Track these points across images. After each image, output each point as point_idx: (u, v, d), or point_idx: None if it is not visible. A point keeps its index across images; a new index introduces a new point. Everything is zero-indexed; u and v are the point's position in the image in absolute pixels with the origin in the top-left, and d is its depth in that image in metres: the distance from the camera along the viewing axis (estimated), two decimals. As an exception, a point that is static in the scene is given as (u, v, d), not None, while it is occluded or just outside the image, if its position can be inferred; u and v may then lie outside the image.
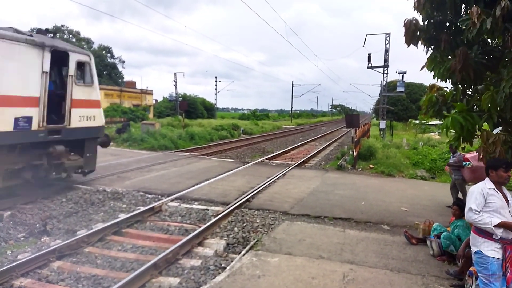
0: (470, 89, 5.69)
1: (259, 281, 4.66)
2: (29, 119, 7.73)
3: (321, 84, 70.65)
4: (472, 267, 4.26)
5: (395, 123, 39.61)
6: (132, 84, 48.96)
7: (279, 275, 4.85)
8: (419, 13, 5.56)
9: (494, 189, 3.81)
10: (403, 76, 26.35)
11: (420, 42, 5.84)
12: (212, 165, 13.97)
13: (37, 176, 8.43)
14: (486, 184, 3.86)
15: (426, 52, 5.98)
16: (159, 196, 8.91)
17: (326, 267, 5.19)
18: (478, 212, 3.70)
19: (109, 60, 61.78)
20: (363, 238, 6.52)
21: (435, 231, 6.10)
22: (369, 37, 26.76)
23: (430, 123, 31.43)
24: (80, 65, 9.07)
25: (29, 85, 7.72)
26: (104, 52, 60.52)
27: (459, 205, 5.82)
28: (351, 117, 17.00)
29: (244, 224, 7.15)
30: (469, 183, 9.39)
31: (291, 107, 74.38)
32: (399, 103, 52.52)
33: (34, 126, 7.84)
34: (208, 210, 7.98)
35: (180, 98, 44.65)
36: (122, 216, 7.22)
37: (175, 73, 44.75)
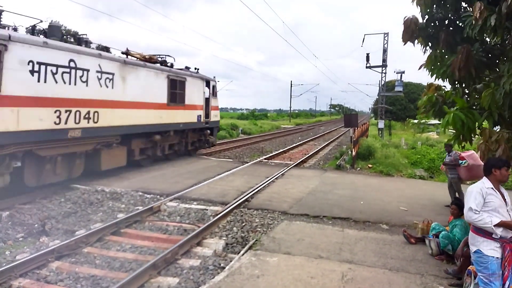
0: (468, 89, 5.70)
1: (258, 281, 4.66)
2: (200, 116, 15.84)
3: (319, 84, 70.73)
4: (470, 266, 4.27)
5: (394, 122, 39.69)
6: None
7: (278, 275, 4.85)
8: (418, 8, 5.54)
9: (492, 188, 3.82)
10: (401, 76, 26.41)
11: (417, 41, 5.85)
12: (211, 165, 13.96)
13: (199, 147, 16.84)
14: (485, 184, 3.87)
15: (424, 52, 5.99)
16: (158, 196, 8.91)
17: (325, 266, 5.19)
18: (478, 212, 3.70)
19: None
20: (361, 237, 6.52)
21: (434, 230, 6.11)
22: (368, 37, 26.84)
23: (428, 122, 31.46)
24: (214, 87, 17.40)
25: (200, 99, 15.94)
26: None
27: (458, 205, 5.83)
28: (349, 117, 17.00)
29: (243, 224, 7.15)
30: (468, 182, 9.45)
31: (290, 107, 74.43)
32: (398, 102, 52.62)
33: (202, 119, 16.04)
34: (207, 210, 7.98)
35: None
36: (121, 216, 7.21)
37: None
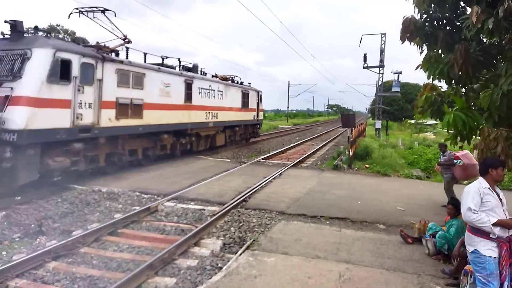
0: (465, 88, 5.72)
1: (255, 281, 4.66)
2: (254, 116, 23.20)
3: (317, 84, 71.07)
4: (467, 266, 4.29)
5: (391, 123, 39.75)
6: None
7: (276, 275, 4.86)
8: (416, 8, 5.56)
9: (489, 188, 3.84)
10: (398, 76, 26.52)
11: (413, 42, 5.86)
12: (209, 165, 13.95)
13: (252, 136, 23.66)
14: (482, 184, 3.88)
15: (420, 53, 6.01)
16: (155, 196, 8.89)
17: (322, 266, 5.20)
18: (476, 212, 3.72)
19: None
20: (359, 237, 6.54)
21: (431, 230, 6.13)
22: (365, 37, 26.89)
23: (425, 123, 31.54)
24: (261, 96, 24.29)
25: (254, 104, 23.42)
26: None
27: (454, 205, 5.85)
28: (347, 117, 16.99)
29: (241, 224, 7.15)
30: (465, 182, 9.47)
31: (287, 107, 74.41)
32: (395, 103, 52.71)
33: (255, 118, 23.23)
34: (204, 210, 7.97)
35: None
36: (118, 216, 7.19)
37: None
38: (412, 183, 12.32)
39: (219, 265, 5.36)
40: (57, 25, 40.03)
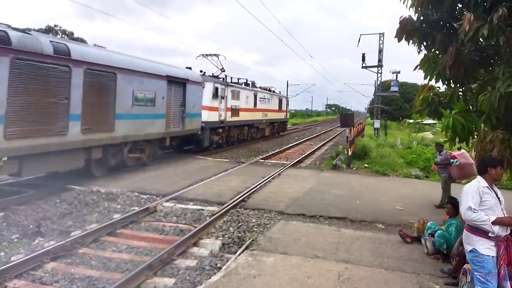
0: (463, 88, 5.72)
1: (254, 281, 4.66)
2: (284, 115, 33.84)
3: (316, 84, 71.08)
4: (466, 265, 4.29)
5: (389, 122, 39.81)
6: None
7: (275, 275, 4.86)
8: (414, 11, 5.58)
9: (488, 187, 3.85)
10: (397, 76, 26.52)
11: (412, 41, 5.87)
12: (207, 165, 13.94)
13: (282, 130, 33.09)
14: (480, 183, 3.89)
15: (419, 52, 6.01)
16: (154, 197, 8.88)
17: (321, 266, 5.20)
18: (476, 211, 3.73)
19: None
20: (358, 237, 6.54)
21: (430, 229, 6.14)
22: (364, 37, 27.02)
23: (424, 122, 31.57)
24: (288, 100, 36.55)
25: (284, 106, 33.51)
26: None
27: (453, 204, 5.86)
28: (345, 117, 17.03)
29: (240, 224, 7.15)
30: (463, 182, 9.49)
31: (287, 107, 74.17)
32: (393, 102, 52.80)
33: (284, 117, 33.83)
34: (203, 210, 7.96)
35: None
36: (117, 216, 7.18)
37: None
38: (410, 183, 12.34)
39: (218, 265, 5.36)
40: (55, 26, 39.91)
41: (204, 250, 5.89)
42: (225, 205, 8.14)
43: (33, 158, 8.28)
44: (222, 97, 18.76)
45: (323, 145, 24.77)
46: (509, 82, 4.27)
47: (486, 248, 3.72)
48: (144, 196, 8.90)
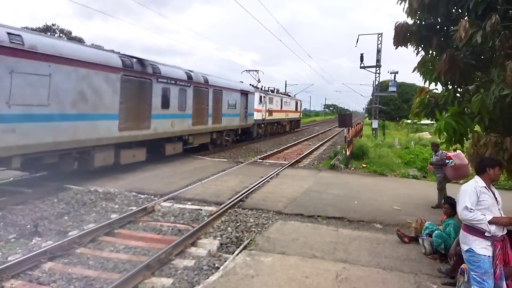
0: (460, 89, 5.74)
1: (252, 281, 4.66)
2: (298, 115, 42.18)
3: (314, 84, 71.05)
4: (463, 265, 4.31)
5: (387, 122, 39.91)
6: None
7: (273, 275, 4.86)
8: (410, 17, 5.62)
9: (485, 187, 3.87)
10: (395, 76, 26.57)
11: (409, 44, 5.90)
12: (206, 165, 13.93)
13: (296, 127, 40.26)
14: (478, 183, 3.91)
15: (417, 54, 6.03)
16: (152, 196, 8.87)
17: (319, 266, 5.21)
18: (473, 210, 3.74)
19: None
20: (356, 237, 6.55)
21: (427, 229, 6.15)
22: (362, 37, 26.96)
23: (421, 122, 31.65)
24: (301, 102, 45.46)
25: (298, 107, 41.95)
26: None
27: (450, 204, 5.87)
28: (343, 117, 17.03)
29: (238, 224, 7.15)
30: (461, 182, 9.52)
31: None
32: (391, 102, 52.97)
33: (297, 116, 42.16)
34: (201, 210, 7.96)
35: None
36: (115, 216, 7.17)
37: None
38: (408, 183, 12.37)
39: (216, 265, 5.36)
40: (53, 25, 39.82)
41: (202, 250, 5.88)
42: (223, 205, 8.14)
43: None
44: (263, 102, 26.51)
45: (321, 145, 24.79)
46: (503, 85, 4.30)
47: (482, 248, 3.74)
48: (142, 196, 8.89)
